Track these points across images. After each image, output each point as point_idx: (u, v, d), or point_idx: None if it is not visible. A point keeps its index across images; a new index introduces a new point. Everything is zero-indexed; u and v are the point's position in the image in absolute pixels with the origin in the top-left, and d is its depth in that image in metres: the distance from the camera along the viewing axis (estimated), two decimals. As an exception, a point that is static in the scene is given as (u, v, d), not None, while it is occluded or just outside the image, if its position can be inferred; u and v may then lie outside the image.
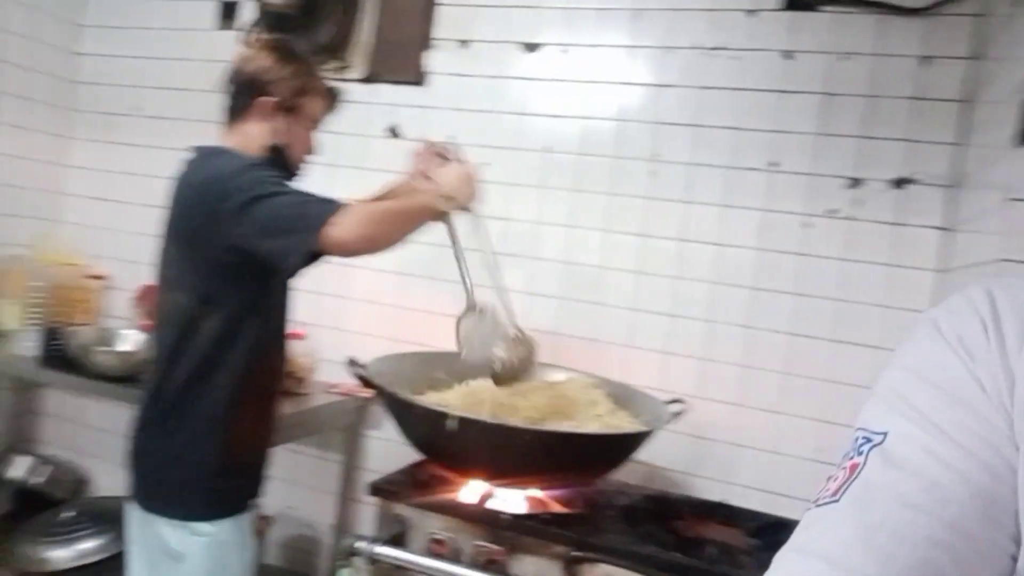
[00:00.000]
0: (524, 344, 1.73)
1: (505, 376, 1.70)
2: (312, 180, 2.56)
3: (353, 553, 1.53)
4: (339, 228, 1.36)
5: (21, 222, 2.83)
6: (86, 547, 2.43)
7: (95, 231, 2.93)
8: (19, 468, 2.74)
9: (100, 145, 2.96)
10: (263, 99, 1.58)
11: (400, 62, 2.53)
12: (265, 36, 1.70)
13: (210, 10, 2.79)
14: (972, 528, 0.46)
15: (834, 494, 0.51)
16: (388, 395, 1.63)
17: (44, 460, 2.79)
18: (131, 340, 2.44)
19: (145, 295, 2.67)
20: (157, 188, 3.01)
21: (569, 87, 2.34)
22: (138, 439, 1.59)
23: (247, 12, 2.71)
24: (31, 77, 2.84)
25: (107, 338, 2.43)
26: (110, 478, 2.75)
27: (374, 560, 1.53)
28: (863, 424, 0.53)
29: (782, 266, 2.09)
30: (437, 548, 1.55)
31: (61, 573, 2.38)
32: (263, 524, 2.27)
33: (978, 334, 0.51)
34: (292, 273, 1.47)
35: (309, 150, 1.71)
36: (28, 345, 2.38)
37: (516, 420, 1.57)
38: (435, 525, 1.58)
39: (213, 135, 1.66)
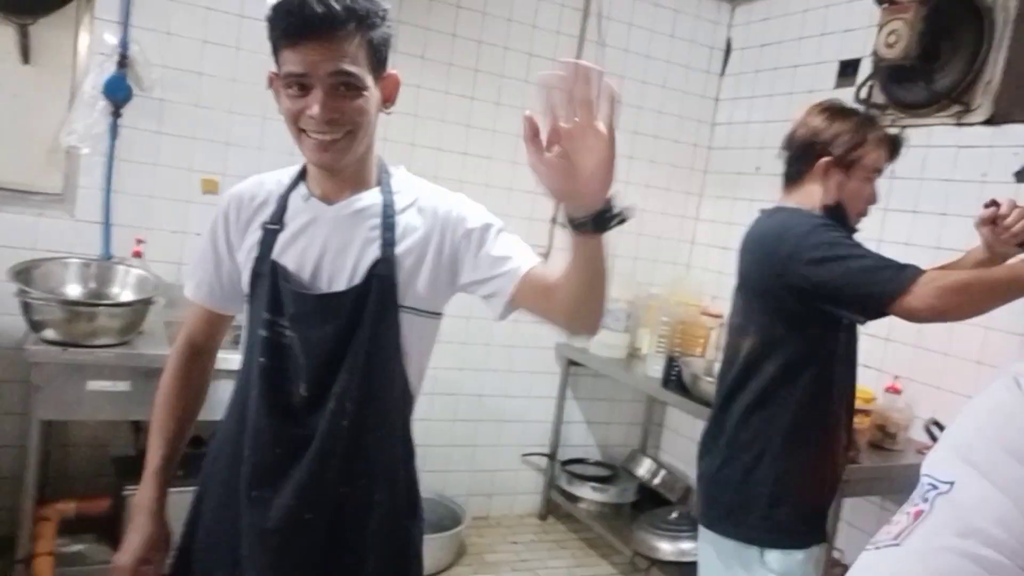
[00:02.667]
0: None
1: None
2: (921, 230, 2.49)
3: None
4: (914, 298, 1.42)
5: (660, 267, 3.47)
6: (685, 547, 2.82)
7: (716, 275, 3.36)
8: (643, 468, 3.34)
9: (725, 201, 3.41)
10: (821, 160, 1.64)
11: (1034, 98, 2.26)
12: (823, 102, 1.74)
13: (831, 70, 2.94)
14: None
15: (895, 538, 0.49)
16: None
17: (661, 465, 3.33)
18: (733, 373, 2.75)
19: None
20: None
21: None
22: (703, 463, 1.78)
23: (865, 68, 2.77)
24: (678, 148, 3.46)
25: (712, 370, 2.78)
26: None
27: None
28: (929, 471, 0.52)
29: None
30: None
31: (664, 563, 2.82)
32: (837, 573, 2.29)
33: None
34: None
35: (870, 199, 1.69)
36: (655, 368, 2.90)
37: None
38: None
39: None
